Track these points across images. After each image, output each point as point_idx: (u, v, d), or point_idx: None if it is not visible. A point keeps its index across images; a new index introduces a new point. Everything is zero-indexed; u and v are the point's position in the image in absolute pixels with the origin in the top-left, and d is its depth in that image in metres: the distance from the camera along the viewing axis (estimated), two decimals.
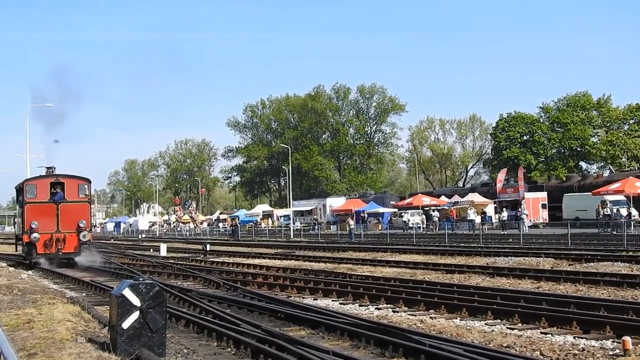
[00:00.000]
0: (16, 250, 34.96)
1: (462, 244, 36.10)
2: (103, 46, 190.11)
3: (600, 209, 43.24)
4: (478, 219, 51.67)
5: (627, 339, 9.60)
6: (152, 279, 20.49)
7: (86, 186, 31.11)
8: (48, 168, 32.78)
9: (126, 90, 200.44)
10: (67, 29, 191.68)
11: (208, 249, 37.89)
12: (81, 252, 30.08)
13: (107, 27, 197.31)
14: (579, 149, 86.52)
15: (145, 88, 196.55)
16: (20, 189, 31.60)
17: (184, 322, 13.10)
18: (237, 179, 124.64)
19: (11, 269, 29.40)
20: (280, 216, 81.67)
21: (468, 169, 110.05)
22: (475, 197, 59.36)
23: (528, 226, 47.03)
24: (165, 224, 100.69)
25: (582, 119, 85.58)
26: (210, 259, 33.01)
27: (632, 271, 20.43)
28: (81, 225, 29.96)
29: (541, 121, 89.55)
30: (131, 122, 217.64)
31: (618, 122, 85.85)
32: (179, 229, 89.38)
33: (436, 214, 57.50)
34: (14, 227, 37.75)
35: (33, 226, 29.32)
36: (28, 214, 29.81)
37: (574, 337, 11.11)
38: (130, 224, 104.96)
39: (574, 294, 15.67)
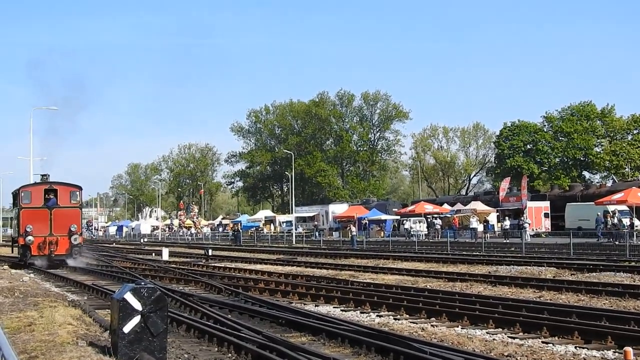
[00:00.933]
0: (12, 252, 36.71)
1: (464, 252, 36.06)
2: (105, 50, 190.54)
3: (608, 219, 43.27)
4: (480, 228, 51.61)
5: (629, 349, 9.55)
6: (154, 283, 20.52)
7: (77, 193, 33.38)
8: (42, 175, 35.10)
9: (129, 94, 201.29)
10: (68, 33, 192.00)
11: (210, 253, 37.96)
12: (72, 254, 32.03)
13: (110, 31, 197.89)
14: (582, 159, 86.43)
15: (148, 92, 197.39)
16: (16, 195, 33.81)
17: (185, 327, 13.10)
18: (240, 184, 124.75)
19: (13, 271, 29.58)
20: (283, 222, 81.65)
21: (471, 177, 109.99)
22: (478, 206, 59.31)
23: (530, 235, 46.96)
24: (168, 229, 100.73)
25: (586, 129, 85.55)
26: (212, 264, 33.02)
27: (634, 282, 20.39)
28: (72, 229, 32.04)
29: (545, 130, 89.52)
30: (135, 126, 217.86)
31: (622, 132, 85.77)
32: (180, 233, 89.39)
33: (438, 221, 57.46)
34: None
35: (28, 229, 31.35)
36: (23, 218, 31.93)
37: (576, 347, 11.11)
38: (133, 228, 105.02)
39: (575, 304, 15.65)
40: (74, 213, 32.82)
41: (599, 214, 44.78)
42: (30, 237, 31.23)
